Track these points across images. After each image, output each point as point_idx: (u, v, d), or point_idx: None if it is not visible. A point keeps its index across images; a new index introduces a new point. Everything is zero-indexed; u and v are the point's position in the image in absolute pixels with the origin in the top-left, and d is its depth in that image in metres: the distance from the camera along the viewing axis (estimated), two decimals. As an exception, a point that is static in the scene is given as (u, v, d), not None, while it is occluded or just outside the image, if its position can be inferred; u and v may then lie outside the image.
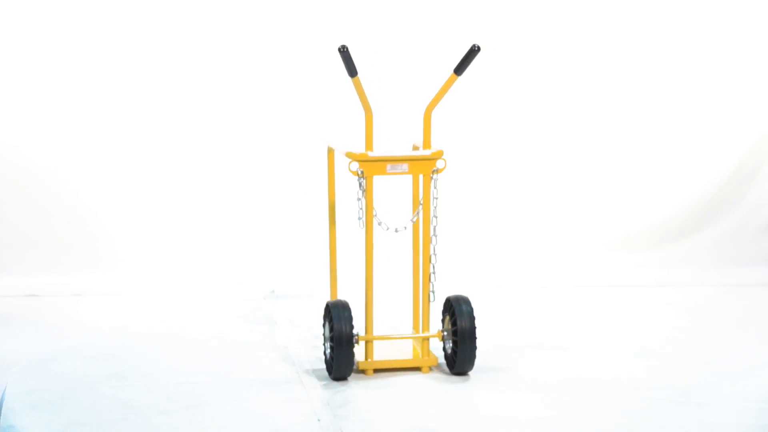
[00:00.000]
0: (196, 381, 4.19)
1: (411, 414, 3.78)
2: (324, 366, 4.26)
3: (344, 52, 4.01)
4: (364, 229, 4.12)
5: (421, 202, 4.07)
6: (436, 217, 4.08)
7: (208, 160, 6.42)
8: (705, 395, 3.96)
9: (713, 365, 4.38)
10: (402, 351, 4.33)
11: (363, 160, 4.06)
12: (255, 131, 6.43)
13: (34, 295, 6.05)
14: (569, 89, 6.49)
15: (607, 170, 6.53)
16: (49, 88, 6.29)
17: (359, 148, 4.14)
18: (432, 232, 4.09)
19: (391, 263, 5.56)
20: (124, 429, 3.72)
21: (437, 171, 4.04)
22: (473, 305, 4.24)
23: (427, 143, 4.10)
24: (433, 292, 4.13)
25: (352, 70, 4.03)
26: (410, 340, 4.36)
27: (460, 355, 4.05)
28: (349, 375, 4.14)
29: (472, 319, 4.03)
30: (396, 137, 5.17)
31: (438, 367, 4.27)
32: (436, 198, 4.04)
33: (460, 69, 3.95)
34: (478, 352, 4.29)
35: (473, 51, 3.89)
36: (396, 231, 4.26)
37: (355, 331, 4.21)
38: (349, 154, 4.06)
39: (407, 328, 4.68)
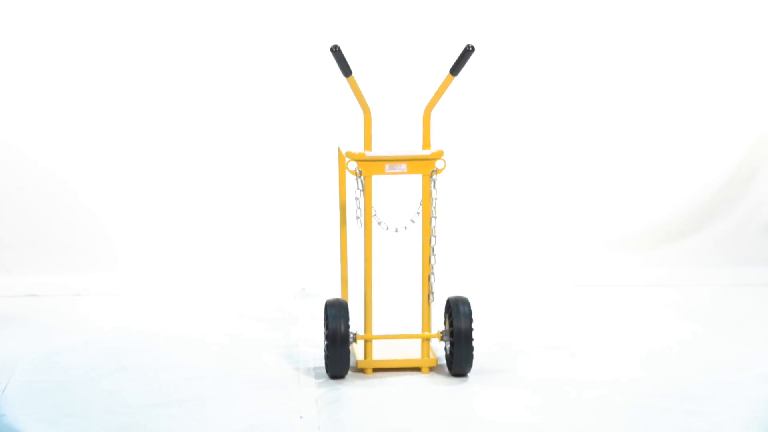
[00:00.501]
0: (193, 377, 4.20)
1: (396, 414, 3.78)
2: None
3: (336, 52, 4.01)
4: (362, 228, 4.12)
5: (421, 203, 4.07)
6: (435, 218, 4.07)
7: (207, 159, 6.43)
8: (700, 402, 3.92)
9: (712, 369, 4.34)
10: (404, 351, 4.33)
11: (361, 159, 4.06)
12: (257, 130, 6.43)
13: (34, 295, 6.06)
14: (569, 90, 6.49)
15: (607, 170, 6.53)
16: (49, 88, 6.30)
17: (359, 148, 4.14)
18: (431, 233, 4.09)
19: (398, 263, 5.56)
20: (110, 420, 3.77)
21: (436, 171, 4.03)
22: (473, 306, 4.24)
23: (426, 143, 4.10)
24: (432, 292, 4.12)
25: (346, 70, 4.03)
26: (416, 341, 4.36)
27: (456, 357, 4.04)
28: (345, 373, 4.14)
29: (470, 320, 4.02)
30: (403, 137, 5.18)
31: (439, 367, 4.26)
32: (436, 198, 4.04)
33: (455, 69, 3.95)
34: (477, 353, 4.28)
35: (467, 51, 3.89)
36: (396, 231, 4.26)
37: (353, 330, 4.22)
38: (348, 154, 4.06)
39: (416, 328, 4.68)
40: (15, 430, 3.66)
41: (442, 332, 4.17)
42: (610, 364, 4.37)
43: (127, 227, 6.37)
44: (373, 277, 4.28)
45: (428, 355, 4.21)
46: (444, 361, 4.28)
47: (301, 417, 3.73)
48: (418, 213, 4.15)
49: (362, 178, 4.06)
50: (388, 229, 4.25)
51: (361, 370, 4.22)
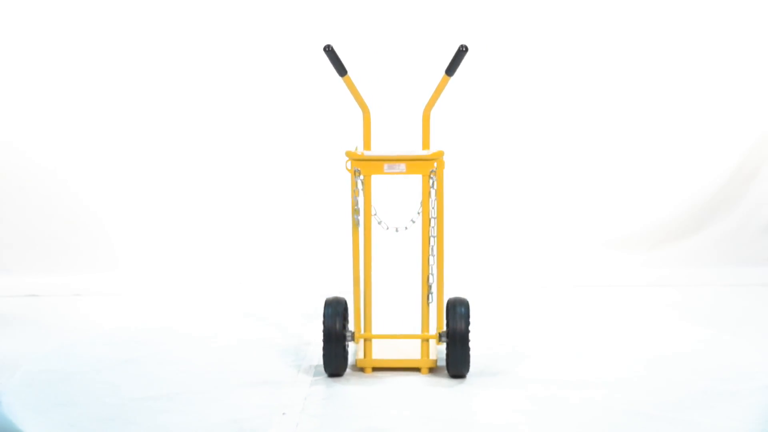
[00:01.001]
0: (191, 373, 4.20)
1: (378, 413, 3.77)
2: None
3: (330, 51, 4.01)
4: (361, 227, 4.12)
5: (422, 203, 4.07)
6: (434, 218, 4.07)
7: (207, 159, 6.43)
8: (694, 410, 3.83)
9: (711, 375, 4.26)
10: (404, 351, 4.32)
11: (359, 159, 4.06)
12: (258, 129, 6.43)
13: (34, 295, 6.06)
14: (569, 90, 6.49)
15: (607, 170, 6.53)
16: (49, 88, 6.30)
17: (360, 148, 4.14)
18: (431, 233, 4.09)
19: (402, 263, 5.56)
20: (99, 410, 3.81)
21: (435, 172, 4.03)
22: (473, 307, 4.23)
23: (426, 143, 4.10)
24: (431, 293, 4.12)
25: (341, 70, 4.03)
26: (418, 341, 4.35)
27: (452, 358, 4.03)
28: (341, 372, 4.14)
29: (466, 322, 4.01)
30: (408, 137, 5.18)
31: (439, 369, 4.26)
32: (434, 199, 4.03)
33: (450, 70, 3.95)
34: (476, 354, 4.28)
35: (461, 51, 3.89)
36: (396, 231, 4.25)
37: (352, 329, 4.22)
38: (348, 153, 4.06)
39: (418, 329, 4.68)
40: (5, 417, 3.69)
41: (440, 333, 4.16)
42: (608, 366, 4.35)
43: (127, 227, 6.37)
44: (373, 277, 4.28)
45: (427, 356, 4.21)
46: (444, 363, 4.28)
47: (283, 413, 3.74)
48: (418, 213, 4.15)
49: (362, 177, 4.06)
50: (388, 228, 4.24)
51: (361, 369, 4.21)
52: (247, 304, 5.75)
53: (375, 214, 4.17)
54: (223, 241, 6.39)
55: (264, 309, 5.53)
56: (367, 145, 4.15)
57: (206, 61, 6.37)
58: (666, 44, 6.48)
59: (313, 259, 6.30)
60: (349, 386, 4.04)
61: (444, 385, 4.04)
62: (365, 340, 4.18)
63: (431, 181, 4.00)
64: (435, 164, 3.99)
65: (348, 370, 4.24)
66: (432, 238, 4.08)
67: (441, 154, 4.02)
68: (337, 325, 4.07)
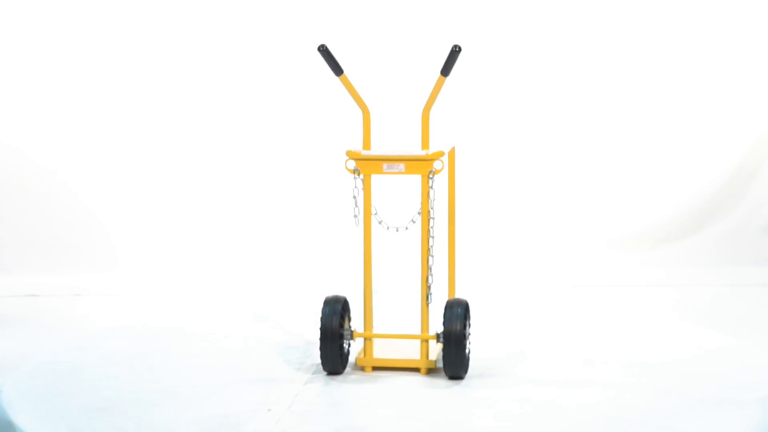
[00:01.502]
0: (189, 370, 4.20)
1: (362, 412, 3.77)
2: None
3: (324, 51, 4.00)
4: (360, 227, 4.12)
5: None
6: (434, 218, 4.07)
7: (206, 159, 6.43)
8: (686, 420, 3.71)
9: (709, 381, 4.14)
10: (404, 351, 4.32)
11: (358, 158, 4.06)
12: (260, 129, 6.44)
13: (34, 295, 6.06)
14: (569, 90, 6.49)
15: (607, 170, 6.53)
16: (49, 88, 6.30)
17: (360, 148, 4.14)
18: (429, 233, 4.08)
19: (407, 263, 5.56)
20: (91, 401, 3.84)
21: (434, 172, 4.03)
22: (473, 308, 4.23)
23: (425, 144, 4.10)
24: (430, 293, 4.12)
25: (336, 69, 4.03)
26: (418, 341, 4.35)
27: (447, 359, 4.02)
28: (340, 370, 4.13)
29: (461, 323, 3.99)
30: (415, 137, 5.17)
31: (439, 369, 4.25)
32: (433, 199, 4.03)
33: (445, 70, 3.94)
34: (476, 355, 4.27)
35: (454, 52, 3.89)
36: (397, 230, 4.25)
37: (351, 327, 4.22)
38: (348, 152, 4.07)
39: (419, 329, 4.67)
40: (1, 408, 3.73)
41: (438, 334, 4.16)
42: (606, 369, 4.30)
43: (127, 227, 6.37)
44: (378, 276, 4.29)
45: (426, 357, 4.20)
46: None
47: (269, 409, 3.75)
48: (418, 213, 4.14)
49: (361, 177, 4.06)
50: (388, 228, 4.24)
51: (361, 368, 4.22)
52: (249, 303, 5.75)
53: (375, 214, 4.17)
54: (224, 240, 6.39)
55: (266, 308, 5.53)
56: (366, 145, 4.15)
57: (206, 61, 6.38)
58: (666, 44, 6.48)
59: (317, 258, 6.30)
60: (344, 385, 4.04)
61: (439, 386, 4.03)
62: (366, 339, 4.19)
63: (430, 181, 4.00)
64: (434, 164, 3.99)
65: (348, 368, 4.24)
66: (431, 239, 4.07)
67: (441, 154, 4.02)
68: (334, 323, 4.07)
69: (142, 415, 3.72)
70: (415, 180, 4.49)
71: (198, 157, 6.42)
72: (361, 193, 4.11)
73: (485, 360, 4.32)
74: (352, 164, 4.06)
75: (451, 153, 4.37)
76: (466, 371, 4.10)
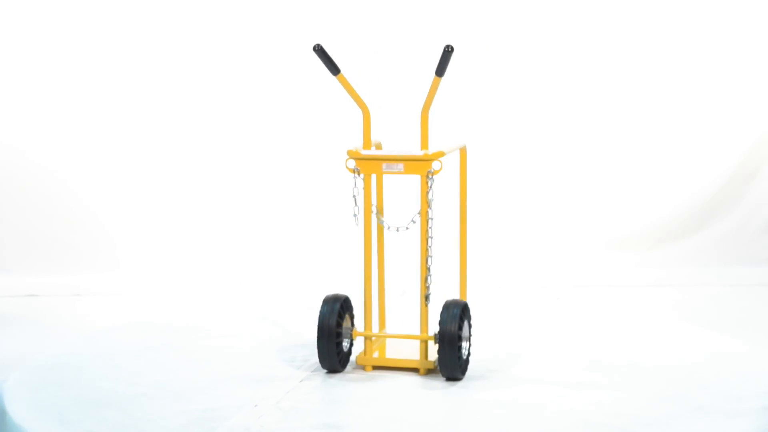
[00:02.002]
0: (187, 368, 4.20)
1: (346, 410, 3.76)
2: None
3: (319, 50, 4.00)
4: (359, 226, 4.12)
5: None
6: (432, 219, 4.06)
7: (207, 159, 6.43)
8: (675, 430, 3.60)
9: (709, 385, 4.01)
10: (405, 351, 4.31)
11: (357, 158, 4.06)
12: (261, 129, 6.44)
13: (34, 295, 6.06)
14: (569, 90, 6.49)
15: (607, 170, 6.53)
16: (49, 88, 6.31)
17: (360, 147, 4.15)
18: (429, 234, 4.08)
19: (411, 263, 5.55)
20: (83, 393, 3.86)
21: (433, 172, 4.02)
22: (474, 309, 4.22)
23: (424, 144, 4.09)
24: (429, 294, 4.11)
25: (333, 69, 4.03)
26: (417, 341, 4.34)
27: (442, 360, 4.01)
28: (337, 368, 4.13)
29: (457, 324, 3.98)
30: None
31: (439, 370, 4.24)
32: (431, 200, 4.03)
33: (439, 71, 3.93)
34: (475, 356, 4.26)
35: (447, 52, 3.88)
36: (397, 230, 4.25)
37: (351, 326, 4.21)
38: (349, 152, 4.07)
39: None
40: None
41: (436, 335, 4.15)
42: (604, 371, 4.22)
43: (127, 227, 6.37)
44: (384, 276, 4.29)
45: (425, 357, 4.19)
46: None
47: (255, 405, 3.76)
48: (419, 213, 4.14)
49: (362, 176, 4.07)
50: (389, 228, 4.24)
51: (362, 367, 4.22)
52: (251, 303, 5.75)
53: (375, 213, 4.17)
54: (225, 240, 6.39)
55: (268, 308, 5.52)
56: (366, 144, 4.15)
57: (206, 61, 6.38)
58: (666, 45, 6.48)
59: (322, 258, 6.30)
60: (339, 383, 4.04)
61: (433, 387, 4.00)
62: (366, 339, 4.18)
63: (430, 181, 3.99)
64: (432, 165, 3.99)
65: (348, 367, 4.24)
66: (430, 239, 4.07)
67: (440, 154, 4.01)
68: (331, 322, 4.07)
69: (130, 407, 3.74)
70: (417, 180, 4.48)
71: (198, 157, 6.42)
72: (361, 192, 4.11)
73: (484, 361, 4.31)
74: (352, 163, 4.06)
75: (463, 152, 4.37)
76: (463, 373, 4.07)
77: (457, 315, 3.98)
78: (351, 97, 4.09)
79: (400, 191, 5.18)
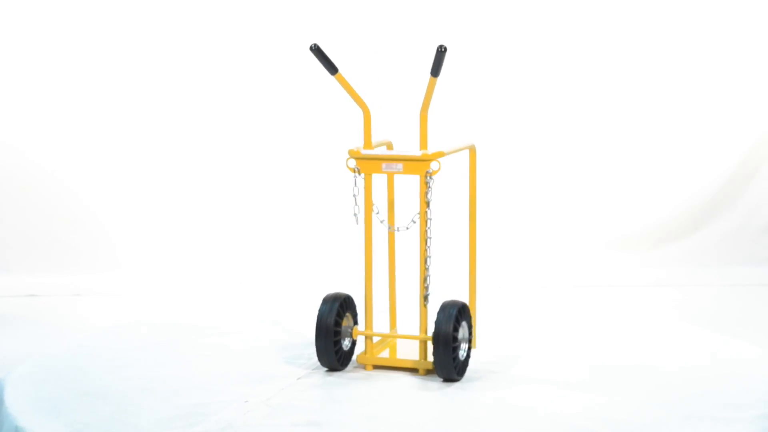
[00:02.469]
0: (186, 364, 4.20)
1: (329, 408, 3.76)
2: None
3: (316, 50, 3.99)
4: (359, 225, 4.13)
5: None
6: (431, 219, 4.06)
7: (208, 159, 6.44)
8: None
9: (708, 390, 3.91)
10: (406, 351, 4.31)
11: (357, 157, 4.06)
12: (260, 129, 6.44)
13: (34, 295, 6.06)
14: (568, 90, 6.49)
15: (607, 170, 6.54)
16: (49, 88, 6.31)
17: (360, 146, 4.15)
18: (427, 234, 4.08)
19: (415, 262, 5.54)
20: (78, 385, 3.87)
21: (432, 173, 4.02)
22: (473, 310, 4.21)
23: (423, 144, 4.10)
24: (427, 294, 4.11)
25: (331, 68, 4.03)
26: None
27: (436, 361, 4.00)
28: (336, 366, 4.13)
29: (452, 325, 3.97)
30: (436, 137, 5.17)
31: None
32: (430, 200, 4.03)
33: (434, 71, 3.93)
34: (476, 356, 4.26)
35: (440, 52, 3.88)
36: (398, 230, 4.25)
37: (351, 325, 4.21)
38: (350, 151, 4.07)
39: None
40: None
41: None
42: (601, 374, 4.18)
43: (128, 227, 6.38)
44: (385, 276, 4.29)
45: (425, 358, 4.19)
46: None
47: (246, 401, 3.76)
48: (419, 213, 4.14)
49: (362, 175, 4.07)
50: (390, 228, 4.24)
51: (363, 366, 4.22)
52: (253, 302, 5.73)
53: (377, 213, 4.17)
54: (226, 239, 6.40)
55: (270, 307, 5.52)
56: (367, 144, 4.15)
57: (206, 60, 6.38)
58: (666, 45, 6.48)
59: (322, 257, 6.30)
60: (336, 382, 4.03)
61: (429, 388, 3.98)
62: (367, 338, 4.19)
63: (430, 181, 3.99)
64: (431, 165, 3.99)
65: (350, 366, 4.24)
66: (428, 239, 4.07)
67: (439, 155, 4.02)
68: (329, 320, 4.07)
69: (123, 400, 3.75)
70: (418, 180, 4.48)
71: (199, 157, 6.42)
72: (362, 191, 4.11)
73: (483, 362, 4.31)
74: (353, 163, 4.07)
75: (472, 152, 4.37)
76: (460, 374, 4.05)
77: (453, 316, 3.97)
78: (350, 97, 4.10)
79: (403, 191, 5.19)
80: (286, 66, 6.37)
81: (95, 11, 6.30)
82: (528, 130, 6.50)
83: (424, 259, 4.07)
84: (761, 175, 6.53)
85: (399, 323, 4.53)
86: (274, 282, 6.21)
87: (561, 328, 4.93)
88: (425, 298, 4.09)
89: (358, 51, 6.27)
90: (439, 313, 4.00)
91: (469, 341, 4.13)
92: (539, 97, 6.48)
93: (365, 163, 4.07)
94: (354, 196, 4.08)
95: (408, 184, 5.35)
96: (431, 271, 4.08)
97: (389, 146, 4.29)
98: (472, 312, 4.31)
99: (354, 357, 4.28)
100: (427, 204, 4.02)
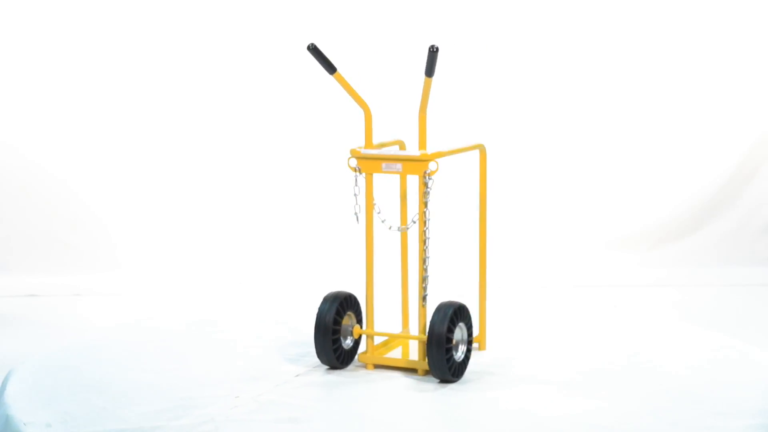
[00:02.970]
0: (182, 365, 4.19)
1: (312, 405, 3.75)
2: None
3: (313, 49, 4.00)
4: (359, 224, 4.13)
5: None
6: (429, 220, 4.07)
7: (209, 158, 6.44)
8: None
9: (707, 395, 3.79)
10: (406, 351, 4.31)
11: (358, 157, 4.08)
12: (261, 129, 6.44)
13: (34, 295, 6.07)
14: (568, 90, 6.49)
15: (607, 170, 6.54)
16: (49, 88, 6.31)
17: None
18: (425, 235, 4.08)
19: (435, 264, 5.54)
20: (73, 376, 3.88)
21: (430, 173, 4.03)
22: (473, 311, 4.21)
23: (422, 144, 4.11)
24: (426, 295, 4.11)
25: (329, 68, 4.03)
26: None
27: (429, 362, 3.99)
28: (335, 364, 4.14)
29: (446, 325, 3.96)
30: (441, 136, 5.17)
31: None
32: (428, 200, 4.03)
33: (428, 71, 3.93)
34: (476, 357, 4.25)
35: (432, 52, 3.88)
36: (398, 230, 4.25)
37: (352, 323, 4.22)
38: (352, 151, 4.08)
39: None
40: None
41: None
42: (598, 375, 4.17)
43: (128, 227, 6.38)
44: (375, 274, 4.29)
45: (423, 358, 4.19)
46: None
47: (237, 396, 3.77)
48: (423, 212, 4.14)
49: (363, 174, 4.08)
50: (390, 228, 4.24)
51: (364, 365, 4.23)
52: (255, 302, 5.74)
53: (379, 212, 4.17)
54: (227, 239, 6.40)
55: (273, 306, 5.51)
56: (368, 143, 4.16)
57: (207, 60, 6.39)
58: (666, 45, 6.49)
59: (331, 257, 6.30)
60: (333, 381, 4.03)
61: (422, 389, 3.96)
62: (368, 337, 4.19)
63: (430, 182, 4.00)
64: (429, 165, 3.99)
65: (352, 365, 4.24)
66: (426, 240, 4.07)
67: (439, 155, 4.02)
68: (328, 317, 4.07)
69: (116, 393, 3.75)
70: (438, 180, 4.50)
71: (200, 157, 6.43)
72: (363, 191, 4.12)
73: (481, 362, 4.30)
74: (353, 162, 4.08)
75: (482, 153, 4.38)
76: (456, 375, 4.03)
77: (448, 316, 3.97)
78: (350, 96, 4.10)
79: (414, 191, 5.19)
80: (292, 65, 6.36)
81: (95, 11, 6.30)
82: (527, 130, 6.51)
83: (423, 260, 4.08)
84: (761, 175, 6.53)
85: (400, 323, 4.53)
86: (279, 281, 6.21)
87: (560, 329, 4.92)
88: (423, 298, 4.10)
89: (367, 50, 6.28)
90: (434, 314, 4.00)
91: (469, 342, 4.12)
92: (538, 98, 6.49)
93: (366, 162, 4.08)
94: (355, 195, 4.09)
95: (406, 185, 5.37)
96: (430, 272, 4.08)
97: (402, 146, 4.29)
98: (482, 313, 4.31)
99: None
100: (426, 204, 4.03)
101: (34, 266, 6.26)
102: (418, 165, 4.00)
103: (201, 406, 3.67)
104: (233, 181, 6.44)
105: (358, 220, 4.10)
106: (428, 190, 4.01)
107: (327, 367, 4.18)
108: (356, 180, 4.08)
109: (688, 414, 3.62)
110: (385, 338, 4.42)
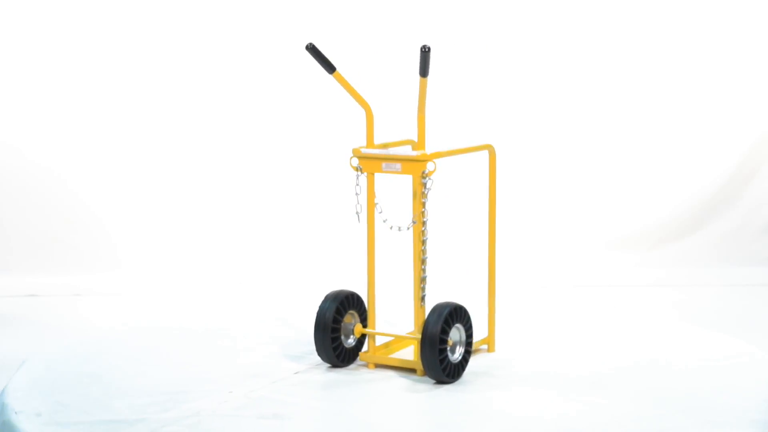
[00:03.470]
0: (182, 363, 4.19)
1: (300, 402, 3.76)
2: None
3: (312, 49, 4.00)
4: (360, 224, 4.14)
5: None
6: (426, 220, 4.07)
7: (209, 158, 6.44)
8: None
9: (706, 397, 3.77)
10: (406, 351, 4.31)
11: (359, 156, 4.08)
12: (261, 129, 6.44)
13: (34, 295, 6.07)
14: (568, 90, 6.49)
15: (608, 170, 6.54)
16: (49, 88, 6.31)
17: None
18: (424, 235, 4.08)
19: (436, 263, 5.55)
20: (70, 369, 3.90)
21: (427, 173, 4.03)
22: (473, 311, 4.21)
23: (421, 145, 4.11)
24: (424, 295, 4.10)
25: (328, 67, 4.03)
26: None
27: (423, 362, 3.98)
28: (334, 362, 4.14)
29: (437, 326, 3.95)
30: (447, 135, 5.17)
31: None
32: (426, 201, 4.03)
33: (422, 71, 3.93)
34: (475, 357, 4.25)
35: (424, 52, 3.88)
36: (399, 230, 4.25)
37: (353, 322, 4.22)
38: (354, 150, 4.09)
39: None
40: None
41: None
42: (596, 377, 4.15)
43: (128, 227, 6.38)
44: (376, 273, 4.29)
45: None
46: None
47: (230, 392, 3.78)
48: (421, 212, 4.14)
49: (364, 174, 4.08)
50: (392, 228, 4.24)
51: (365, 364, 4.23)
52: (255, 301, 5.74)
53: (380, 212, 4.17)
54: (228, 239, 6.40)
55: (275, 306, 5.51)
56: (369, 143, 4.16)
57: (207, 59, 6.39)
58: (666, 45, 6.49)
59: (329, 256, 6.30)
60: (332, 379, 4.03)
61: (417, 390, 3.96)
62: (369, 336, 4.19)
63: (430, 182, 4.00)
64: (426, 165, 4.00)
65: (354, 364, 4.24)
66: (424, 240, 4.07)
67: (438, 155, 4.02)
68: (327, 316, 4.07)
69: (113, 385, 3.77)
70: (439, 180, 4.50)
71: (200, 156, 6.43)
72: (364, 190, 4.13)
73: (480, 363, 4.30)
74: (355, 161, 4.08)
75: (492, 153, 4.37)
76: (451, 376, 4.02)
77: (443, 317, 3.96)
78: (351, 96, 4.10)
79: (405, 191, 5.20)
80: (294, 64, 6.36)
81: (95, 11, 6.30)
82: (527, 131, 6.51)
83: (421, 260, 4.08)
84: (761, 175, 6.53)
85: (406, 324, 4.54)
86: (281, 281, 6.21)
87: (560, 329, 4.92)
88: (422, 298, 4.10)
89: (379, 49, 6.29)
90: (429, 314, 3.99)
91: (468, 344, 4.10)
92: (538, 99, 6.49)
93: (367, 162, 4.08)
94: (356, 194, 4.10)
95: (406, 185, 5.37)
96: (428, 272, 4.08)
97: (415, 146, 4.30)
98: (491, 315, 4.30)
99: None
100: (424, 204, 4.03)
101: (34, 266, 6.26)
102: (417, 165, 4.01)
103: (191, 401, 3.69)
104: (235, 180, 6.44)
105: (359, 219, 4.11)
106: (426, 190, 4.02)
107: (328, 365, 4.18)
108: (357, 179, 4.09)
109: (683, 420, 3.59)
110: (391, 338, 4.44)
